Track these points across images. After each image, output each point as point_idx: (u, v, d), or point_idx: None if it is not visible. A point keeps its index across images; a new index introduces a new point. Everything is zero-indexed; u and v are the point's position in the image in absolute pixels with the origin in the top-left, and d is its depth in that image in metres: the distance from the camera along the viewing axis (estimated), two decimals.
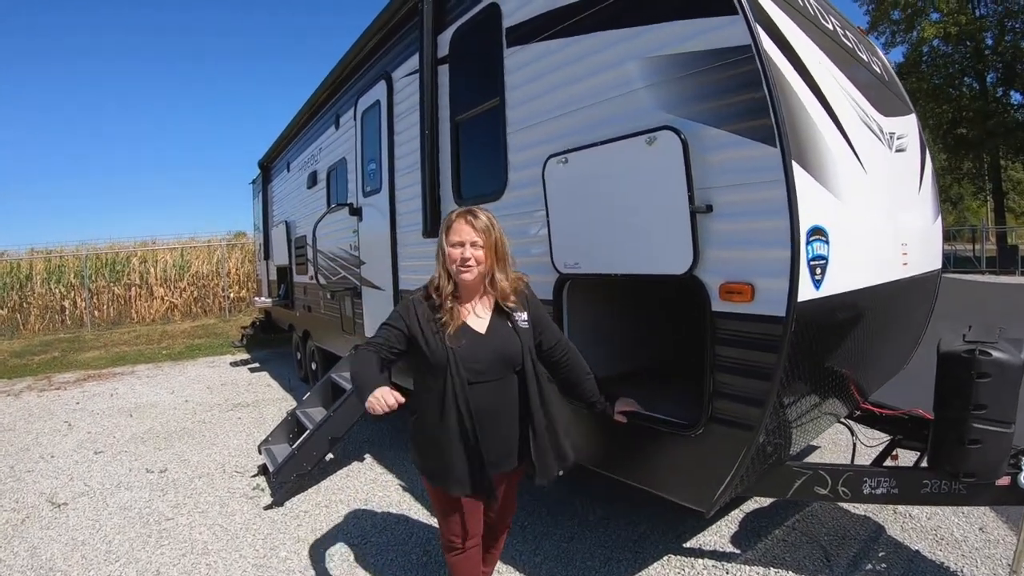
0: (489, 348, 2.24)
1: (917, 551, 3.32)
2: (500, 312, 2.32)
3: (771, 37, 2.22)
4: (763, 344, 2.17)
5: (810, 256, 2.11)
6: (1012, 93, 26.65)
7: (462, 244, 2.21)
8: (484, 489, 2.28)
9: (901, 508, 3.71)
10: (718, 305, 2.30)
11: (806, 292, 2.11)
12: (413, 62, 4.36)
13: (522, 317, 2.33)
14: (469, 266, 2.21)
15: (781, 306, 2.10)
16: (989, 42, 25.89)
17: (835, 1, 3.46)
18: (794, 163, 2.05)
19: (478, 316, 2.31)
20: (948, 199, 35.75)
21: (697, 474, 2.53)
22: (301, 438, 4.72)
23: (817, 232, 2.15)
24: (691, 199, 2.30)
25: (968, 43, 26.04)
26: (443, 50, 4.04)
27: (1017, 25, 24.91)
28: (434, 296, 2.29)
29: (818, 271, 2.17)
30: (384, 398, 2.04)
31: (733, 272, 2.25)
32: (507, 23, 3.38)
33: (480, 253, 2.22)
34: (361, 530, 3.87)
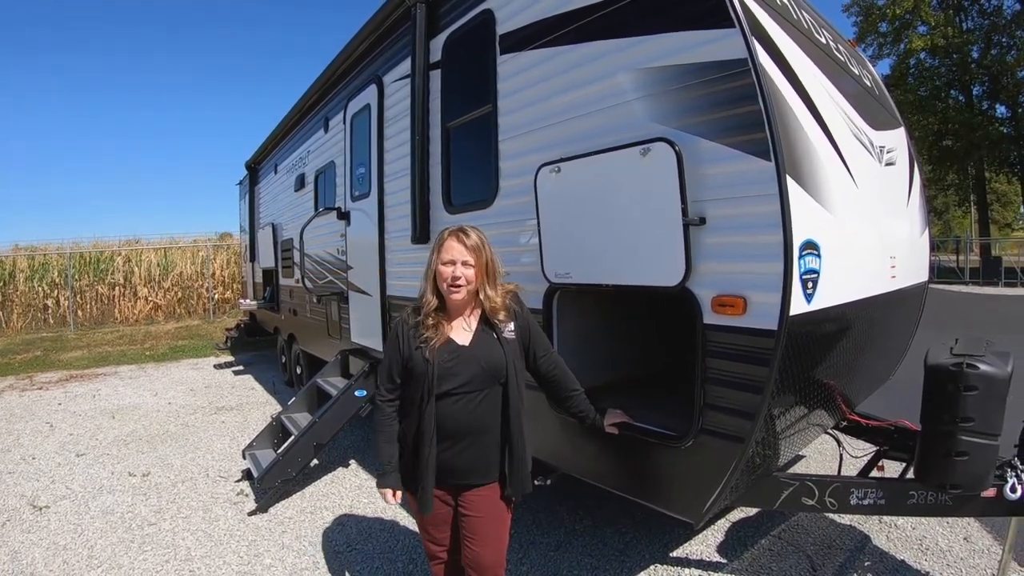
0: (472, 360, 2.23)
1: (903, 561, 3.35)
2: (486, 324, 2.31)
3: (767, 50, 2.22)
4: (755, 357, 2.18)
5: (802, 270, 2.12)
6: (997, 106, 27.01)
7: (453, 263, 2.21)
8: (450, 504, 2.31)
9: (887, 518, 3.74)
10: (710, 318, 2.30)
11: (798, 306, 2.11)
12: (405, 67, 4.33)
13: (508, 328, 2.32)
14: (459, 285, 2.21)
15: (773, 320, 2.10)
16: (975, 55, 26.23)
17: (824, 11, 3.49)
18: (788, 177, 2.05)
19: (464, 329, 2.30)
20: (933, 210, 36.17)
21: (686, 486, 2.52)
22: (286, 443, 4.68)
23: (809, 246, 2.16)
24: (684, 211, 2.30)
25: (954, 56, 26.34)
26: (435, 55, 4.02)
27: (1003, 39, 25.27)
28: (420, 311, 2.29)
29: (810, 285, 2.18)
30: (388, 499, 2.34)
31: (725, 285, 2.25)
32: (501, 30, 3.36)
33: (470, 272, 2.22)
34: (346, 537, 3.83)
